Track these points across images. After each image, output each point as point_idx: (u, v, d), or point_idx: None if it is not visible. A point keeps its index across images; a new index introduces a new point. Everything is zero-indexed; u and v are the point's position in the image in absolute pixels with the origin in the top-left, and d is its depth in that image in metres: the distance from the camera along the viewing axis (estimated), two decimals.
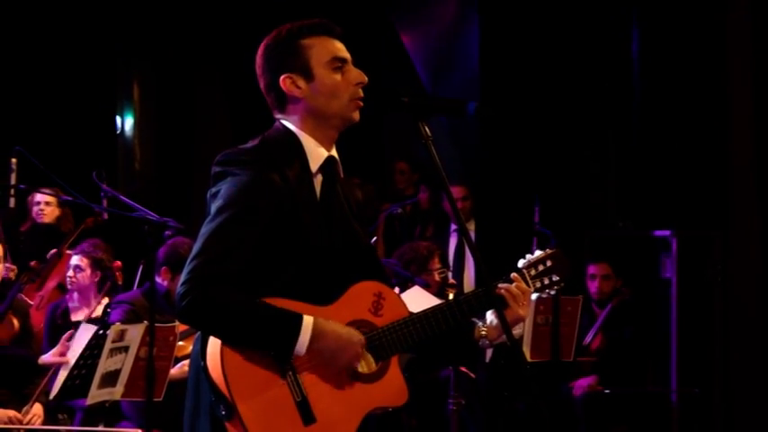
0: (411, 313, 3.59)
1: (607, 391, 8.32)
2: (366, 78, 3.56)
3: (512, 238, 8.89)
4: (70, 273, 7.60)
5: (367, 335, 3.48)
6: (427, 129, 3.44)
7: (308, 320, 3.32)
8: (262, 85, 3.58)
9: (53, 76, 11.00)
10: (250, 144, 3.50)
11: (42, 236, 8.76)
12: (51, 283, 8.32)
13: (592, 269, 8.71)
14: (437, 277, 7.66)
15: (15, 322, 7.16)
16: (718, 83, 9.08)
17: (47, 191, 8.47)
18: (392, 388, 3.52)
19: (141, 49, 11.99)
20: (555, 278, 3.79)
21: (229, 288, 3.30)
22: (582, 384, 8.37)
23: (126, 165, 12.13)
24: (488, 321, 3.73)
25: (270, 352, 3.32)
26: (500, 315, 3.52)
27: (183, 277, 3.30)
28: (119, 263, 8.10)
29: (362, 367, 3.47)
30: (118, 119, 12.12)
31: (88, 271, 7.60)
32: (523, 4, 10.59)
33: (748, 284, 8.96)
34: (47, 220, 8.96)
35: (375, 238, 8.89)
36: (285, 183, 3.41)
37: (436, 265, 7.72)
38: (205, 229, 3.35)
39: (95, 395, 6.20)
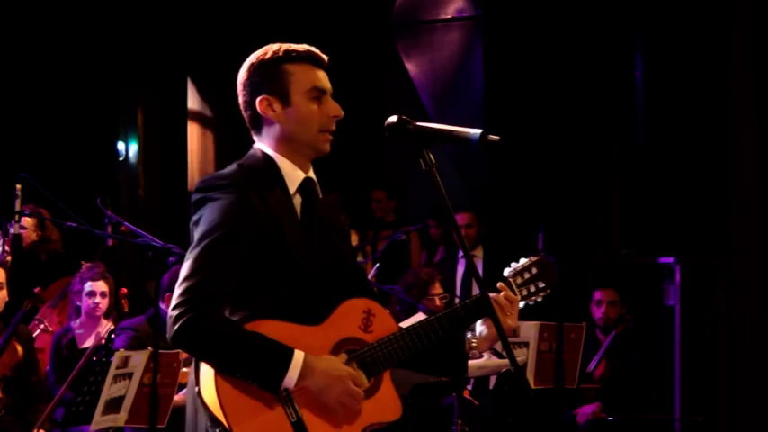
0: (401, 328, 3.60)
1: (611, 419, 8.30)
2: (342, 113, 3.58)
3: None
4: (96, 299, 7.59)
5: (358, 352, 3.49)
6: (431, 156, 3.43)
7: (298, 356, 3.32)
8: (240, 101, 3.61)
9: (57, 104, 11.04)
10: (228, 169, 3.53)
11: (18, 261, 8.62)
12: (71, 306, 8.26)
13: (598, 295, 8.70)
14: (438, 302, 7.63)
15: (19, 349, 7.16)
16: (722, 110, 9.09)
17: (27, 210, 8.41)
18: (386, 403, 3.53)
19: (145, 76, 12.03)
20: (541, 285, 3.80)
21: (222, 314, 3.33)
22: (586, 411, 8.36)
23: (130, 191, 12.15)
24: (478, 333, 3.74)
25: (259, 383, 3.32)
26: (494, 320, 3.49)
27: (175, 300, 3.32)
28: (125, 290, 8.11)
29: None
30: (122, 145, 12.15)
31: (108, 296, 7.62)
32: (527, 32, 10.63)
33: (751, 312, 8.95)
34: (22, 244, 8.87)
35: (378, 264, 8.88)
36: (265, 204, 3.44)
37: (437, 290, 7.69)
38: (191, 255, 3.37)
39: (99, 422, 6.21)
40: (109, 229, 8.47)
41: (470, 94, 11.13)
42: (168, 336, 3.33)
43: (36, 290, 7.54)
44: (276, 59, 3.55)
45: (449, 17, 11.69)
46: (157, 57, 11.85)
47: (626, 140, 10.28)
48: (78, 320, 7.64)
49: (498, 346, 6.42)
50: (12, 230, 8.29)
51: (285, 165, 3.55)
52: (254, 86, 3.56)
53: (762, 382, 8.91)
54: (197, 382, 3.37)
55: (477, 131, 3.40)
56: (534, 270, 3.80)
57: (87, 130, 11.30)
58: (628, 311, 8.74)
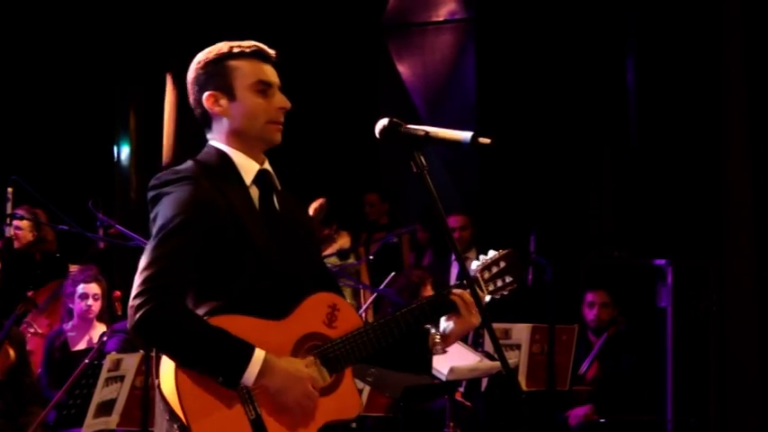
0: (366, 323, 3.60)
1: (603, 421, 8.30)
2: (289, 104, 3.59)
3: None
4: (89, 301, 7.55)
5: (321, 347, 3.48)
6: (423, 159, 3.43)
7: (259, 354, 3.31)
8: (190, 99, 3.63)
9: (50, 106, 11.03)
10: (182, 165, 3.54)
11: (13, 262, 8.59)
12: (62, 309, 8.24)
13: (590, 297, 8.70)
14: None
15: (11, 352, 7.14)
16: (714, 112, 9.11)
17: (20, 213, 8.39)
18: (346, 400, 3.53)
19: (137, 78, 12.02)
20: (508, 279, 3.79)
21: (184, 305, 3.33)
22: (578, 413, 8.35)
23: (122, 194, 12.14)
24: (442, 329, 3.73)
25: (218, 378, 3.31)
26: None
27: (135, 290, 3.31)
28: (118, 292, 8.08)
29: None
30: (114, 148, 12.15)
31: (101, 299, 7.59)
32: (519, 35, 10.65)
33: (743, 314, 8.97)
34: (17, 245, 8.84)
35: (393, 274, 8.85)
36: (223, 196, 3.44)
37: (429, 292, 7.69)
38: (150, 246, 3.36)
39: (91, 425, 6.20)
40: (101, 232, 8.46)
41: (462, 96, 11.15)
42: (129, 326, 3.32)
43: (29, 293, 7.52)
44: (221, 56, 3.57)
45: (441, 20, 11.71)
46: (150, 58, 11.84)
47: (618, 143, 10.30)
48: (71, 323, 7.62)
49: (490, 348, 6.44)
50: (6, 233, 8.29)
51: (238, 157, 3.56)
52: (200, 84, 3.58)
53: (753, 383, 8.92)
54: (156, 375, 3.36)
55: (468, 134, 3.40)
56: (502, 264, 3.80)
57: (83, 132, 11.29)
58: (620, 313, 8.74)
